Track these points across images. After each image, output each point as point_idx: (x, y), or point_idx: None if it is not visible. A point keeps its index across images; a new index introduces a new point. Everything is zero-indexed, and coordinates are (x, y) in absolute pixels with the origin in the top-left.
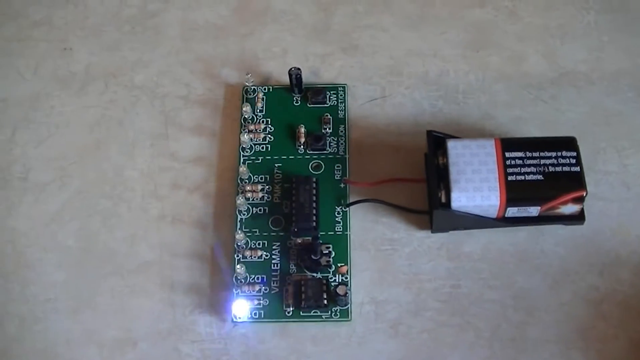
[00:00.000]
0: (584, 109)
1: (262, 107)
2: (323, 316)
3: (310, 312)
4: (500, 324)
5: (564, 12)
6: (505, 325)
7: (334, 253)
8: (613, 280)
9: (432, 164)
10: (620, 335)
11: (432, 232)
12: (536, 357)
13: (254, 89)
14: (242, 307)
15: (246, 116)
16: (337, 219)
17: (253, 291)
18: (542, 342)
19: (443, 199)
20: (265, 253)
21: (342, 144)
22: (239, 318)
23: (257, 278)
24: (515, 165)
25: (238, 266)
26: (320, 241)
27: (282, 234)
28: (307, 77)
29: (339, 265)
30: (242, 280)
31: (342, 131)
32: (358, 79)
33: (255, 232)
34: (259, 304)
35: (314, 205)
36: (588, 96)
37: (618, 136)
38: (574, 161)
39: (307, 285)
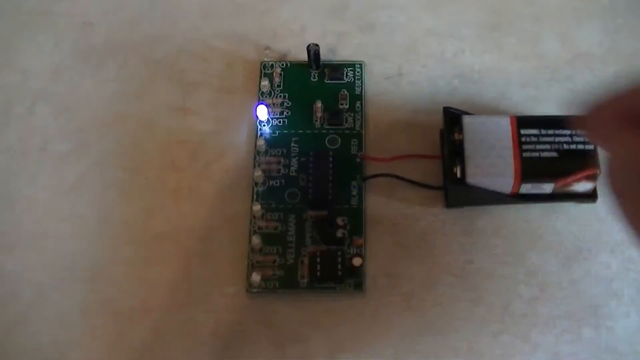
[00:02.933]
0: (599, 90)
1: (280, 82)
2: (337, 288)
3: (324, 284)
4: (512, 299)
5: None
6: (517, 301)
7: (349, 226)
8: (625, 259)
9: (448, 139)
10: (631, 313)
11: (446, 208)
12: (547, 333)
13: (271, 64)
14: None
15: (264, 90)
16: (352, 192)
17: (268, 262)
18: (553, 318)
19: (458, 175)
20: (281, 225)
21: (358, 119)
22: (254, 288)
23: (273, 249)
24: (530, 142)
25: (254, 237)
26: (336, 214)
27: (298, 206)
28: (324, 55)
29: (354, 238)
30: (258, 251)
31: (358, 107)
32: (375, 57)
33: (272, 204)
34: (274, 274)
35: (330, 178)
36: (602, 78)
37: None
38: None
39: (322, 257)
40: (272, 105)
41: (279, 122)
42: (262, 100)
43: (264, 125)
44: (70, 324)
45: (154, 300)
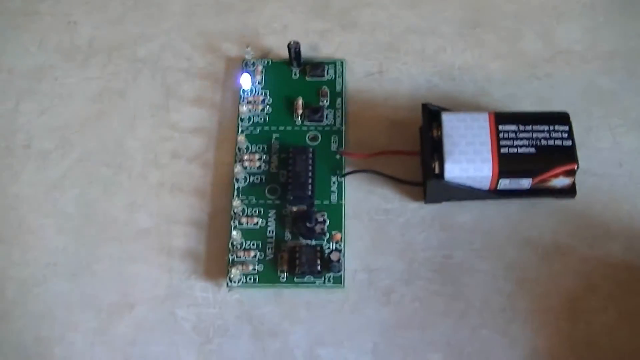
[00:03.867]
0: (578, 87)
1: (261, 79)
2: (316, 282)
3: (304, 279)
4: (491, 294)
5: None
6: (496, 296)
7: (328, 221)
8: (603, 254)
9: (426, 135)
10: (609, 307)
11: (425, 203)
12: (525, 327)
13: (253, 62)
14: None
15: (245, 88)
16: (332, 188)
17: (248, 257)
18: (531, 312)
19: (437, 170)
20: (261, 220)
21: (338, 116)
22: (234, 283)
23: (253, 244)
24: (508, 138)
25: (234, 232)
26: (316, 209)
27: (278, 202)
28: (306, 52)
29: (333, 233)
30: (238, 246)
31: (339, 104)
32: (356, 55)
33: (252, 199)
34: (254, 269)
35: (310, 174)
36: (582, 75)
37: (611, 114)
38: (566, 135)
39: (301, 252)
40: (253, 102)
41: (260, 119)
42: (244, 97)
43: (245, 123)
44: (54, 319)
45: (136, 295)
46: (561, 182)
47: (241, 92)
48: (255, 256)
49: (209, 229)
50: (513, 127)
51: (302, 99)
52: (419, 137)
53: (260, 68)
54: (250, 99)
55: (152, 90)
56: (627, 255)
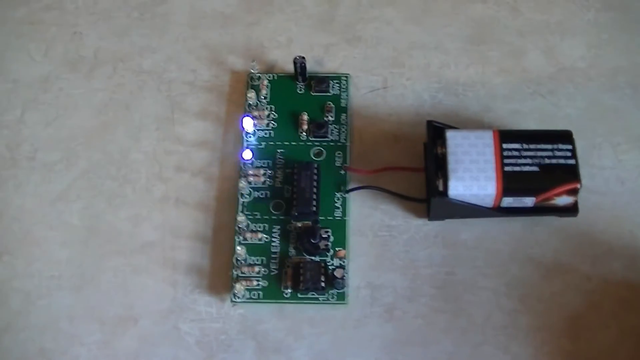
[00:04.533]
0: (581, 104)
1: (267, 94)
2: (320, 299)
3: (307, 294)
4: (493, 311)
5: (565, 9)
6: (498, 313)
7: (332, 237)
8: (605, 272)
9: (430, 153)
10: (611, 325)
11: (429, 220)
12: (527, 344)
13: (258, 76)
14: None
15: (250, 102)
16: (336, 204)
17: (252, 272)
18: (533, 330)
19: (440, 188)
20: (265, 236)
21: (343, 132)
22: (238, 298)
23: (257, 260)
24: (512, 157)
25: (238, 248)
26: (320, 225)
27: (282, 217)
28: (311, 67)
29: (337, 249)
30: (242, 261)
31: (344, 119)
32: (361, 70)
33: (257, 215)
34: (258, 285)
35: (315, 190)
36: (585, 92)
37: (614, 132)
38: (569, 154)
39: (305, 268)
40: (258, 117)
41: (265, 133)
42: (249, 112)
43: (250, 137)
44: (58, 331)
45: (140, 309)
46: (564, 200)
47: (246, 106)
48: (259, 272)
49: (213, 243)
50: (517, 146)
51: (307, 114)
52: (423, 153)
53: (265, 82)
54: (256, 113)
55: (157, 102)
56: (629, 273)
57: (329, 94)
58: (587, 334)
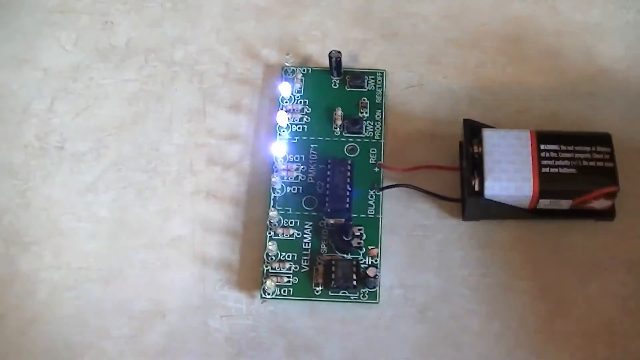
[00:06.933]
0: (620, 106)
1: (301, 87)
2: (351, 297)
3: (338, 293)
4: (527, 315)
5: (604, 10)
6: (532, 317)
7: (365, 235)
8: None
9: (467, 152)
10: None
11: (463, 220)
12: (562, 349)
13: (293, 69)
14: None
15: (284, 96)
16: (369, 202)
17: (283, 268)
18: (568, 335)
19: (476, 188)
20: (297, 232)
21: (378, 128)
22: (268, 295)
23: (288, 256)
24: (550, 158)
25: (270, 243)
26: (352, 223)
27: (314, 214)
28: (345, 62)
29: (369, 247)
30: (273, 257)
31: (378, 116)
32: (396, 66)
33: (288, 210)
34: (289, 281)
35: (348, 187)
36: (625, 94)
37: None
38: (608, 157)
39: (337, 266)
40: (292, 111)
41: (299, 128)
42: (282, 105)
43: (283, 131)
44: (84, 324)
45: (169, 304)
46: (601, 204)
47: (279, 100)
48: (290, 268)
49: (243, 238)
50: (555, 147)
51: (342, 110)
52: (459, 152)
53: (299, 76)
54: (289, 107)
55: (188, 94)
56: None
57: (364, 89)
58: (622, 341)
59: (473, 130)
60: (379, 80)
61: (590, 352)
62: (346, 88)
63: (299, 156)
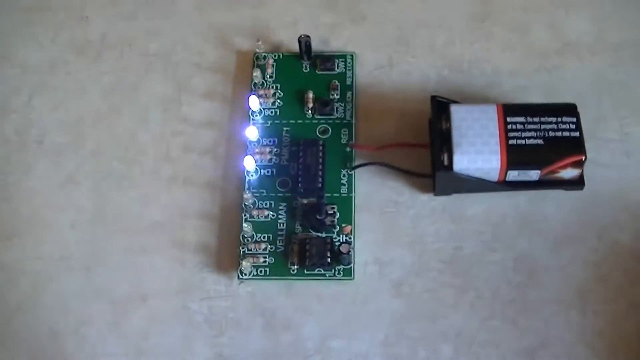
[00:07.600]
0: (587, 78)
1: (272, 73)
2: (327, 275)
3: (314, 271)
4: (501, 285)
5: None
6: (506, 287)
7: (338, 214)
8: (612, 244)
9: (435, 127)
10: (619, 298)
11: (435, 195)
12: (535, 317)
13: (264, 55)
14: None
15: (256, 81)
16: (342, 181)
17: (259, 249)
18: (541, 303)
19: (445, 162)
20: (272, 213)
21: (349, 109)
22: (245, 275)
23: (264, 237)
24: (517, 130)
25: (245, 225)
26: (326, 202)
27: (288, 194)
28: (316, 46)
29: (343, 225)
30: (249, 238)
31: (349, 97)
32: (366, 48)
33: (263, 192)
34: (265, 262)
35: (320, 167)
36: (591, 66)
37: (619, 105)
38: (573, 127)
39: (311, 244)
40: (264, 95)
41: (271, 112)
42: (254, 91)
43: (256, 116)
44: (67, 312)
45: (149, 288)
46: (569, 173)
47: (252, 85)
48: (265, 248)
49: (220, 222)
50: (521, 119)
51: (313, 92)
52: (429, 129)
53: (271, 62)
54: (262, 92)
55: (163, 84)
56: (636, 245)
57: (334, 72)
58: (595, 307)
59: (441, 107)
60: (349, 63)
61: (564, 318)
62: (317, 71)
63: (271, 139)
